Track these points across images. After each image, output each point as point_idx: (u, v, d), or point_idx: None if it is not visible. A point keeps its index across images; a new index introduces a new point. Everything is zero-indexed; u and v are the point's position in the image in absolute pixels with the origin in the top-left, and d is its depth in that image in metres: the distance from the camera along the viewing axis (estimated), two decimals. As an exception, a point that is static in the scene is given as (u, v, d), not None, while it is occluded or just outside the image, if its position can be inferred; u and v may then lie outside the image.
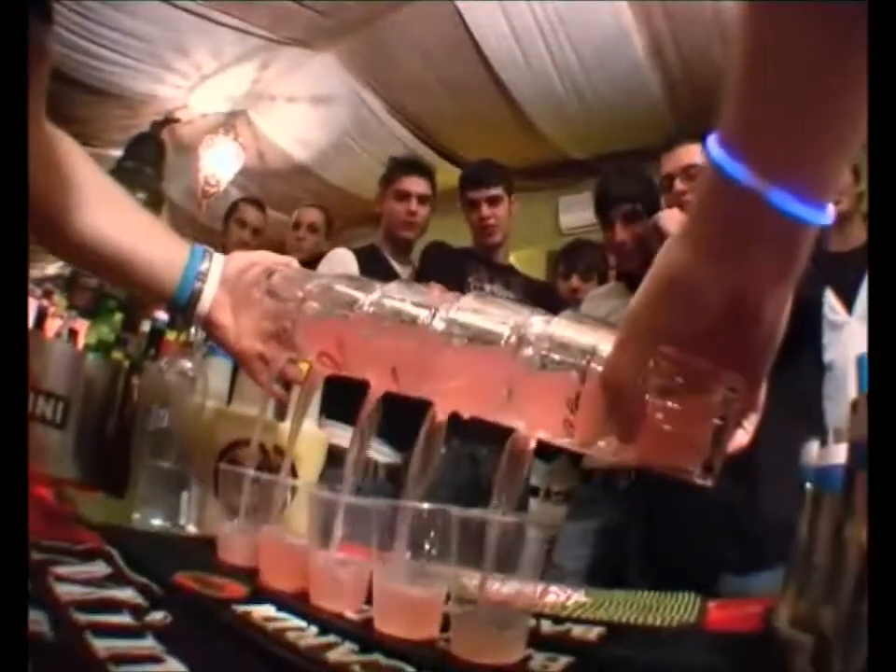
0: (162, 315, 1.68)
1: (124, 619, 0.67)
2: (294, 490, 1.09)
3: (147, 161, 5.05)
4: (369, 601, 0.82)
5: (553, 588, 1.13)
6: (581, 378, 0.68)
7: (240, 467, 1.07)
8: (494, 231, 2.99)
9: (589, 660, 0.76)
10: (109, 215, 1.07)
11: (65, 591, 0.71)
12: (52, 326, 2.37)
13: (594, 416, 0.66)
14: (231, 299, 1.11)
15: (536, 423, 0.76)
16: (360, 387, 0.94)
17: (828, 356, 2.30)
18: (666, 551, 2.05)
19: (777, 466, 1.37)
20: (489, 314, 0.82)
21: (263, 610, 0.79)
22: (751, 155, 0.50)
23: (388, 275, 0.91)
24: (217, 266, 1.12)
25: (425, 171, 3.18)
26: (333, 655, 0.68)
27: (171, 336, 1.62)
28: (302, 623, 0.76)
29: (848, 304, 2.47)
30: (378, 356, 0.91)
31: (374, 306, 0.91)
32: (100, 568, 0.83)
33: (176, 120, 5.18)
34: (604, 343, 0.67)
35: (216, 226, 4.37)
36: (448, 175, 3.65)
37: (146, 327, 1.82)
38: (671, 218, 2.18)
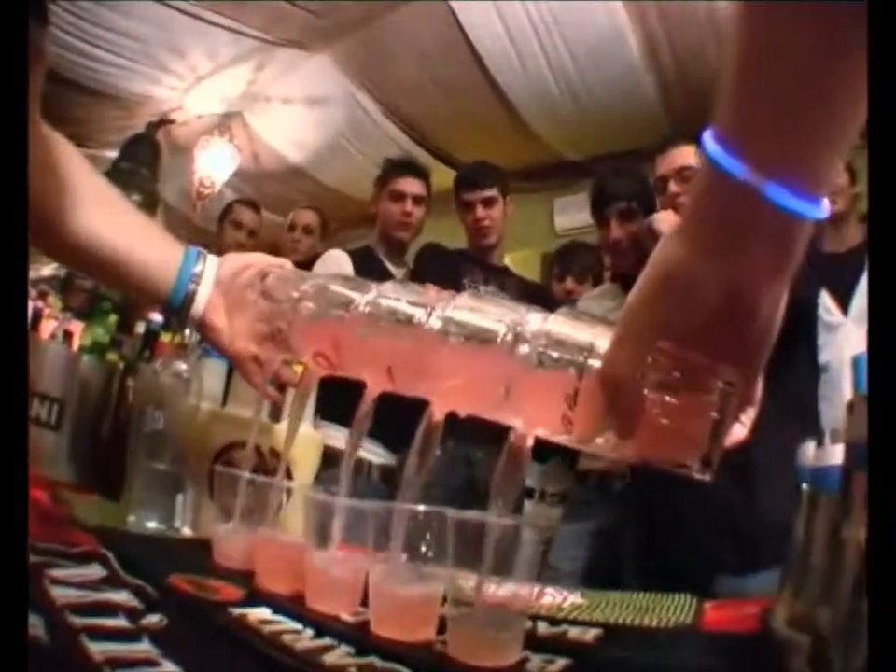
0: (157, 317, 1.67)
1: (120, 622, 0.67)
2: (289, 492, 1.08)
3: (143, 163, 5.05)
4: (365, 603, 0.82)
5: (549, 590, 1.12)
6: (578, 374, 0.68)
7: (235, 469, 1.07)
8: (489, 232, 2.99)
9: (586, 661, 0.76)
10: (104, 216, 1.07)
11: (61, 594, 0.70)
12: (47, 327, 2.37)
13: (592, 412, 0.66)
14: (225, 300, 1.10)
15: (534, 420, 0.75)
16: (355, 389, 0.94)
17: (823, 357, 2.30)
18: (662, 552, 2.05)
19: (773, 467, 1.38)
20: (485, 312, 0.81)
21: (259, 613, 0.79)
22: (747, 150, 0.51)
23: (383, 276, 0.91)
24: (211, 268, 1.11)
25: (420, 172, 3.18)
26: (329, 658, 0.67)
27: (165, 338, 1.62)
28: (298, 626, 0.76)
29: (844, 305, 2.47)
30: (374, 355, 0.90)
31: (370, 306, 0.91)
32: (95, 571, 0.83)
33: (172, 122, 5.18)
34: (601, 340, 0.67)
35: (210, 227, 4.37)
36: (443, 177, 3.65)
37: (140, 328, 1.82)
38: (665, 220, 2.18)
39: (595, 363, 0.66)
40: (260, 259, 1.15)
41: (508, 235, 3.14)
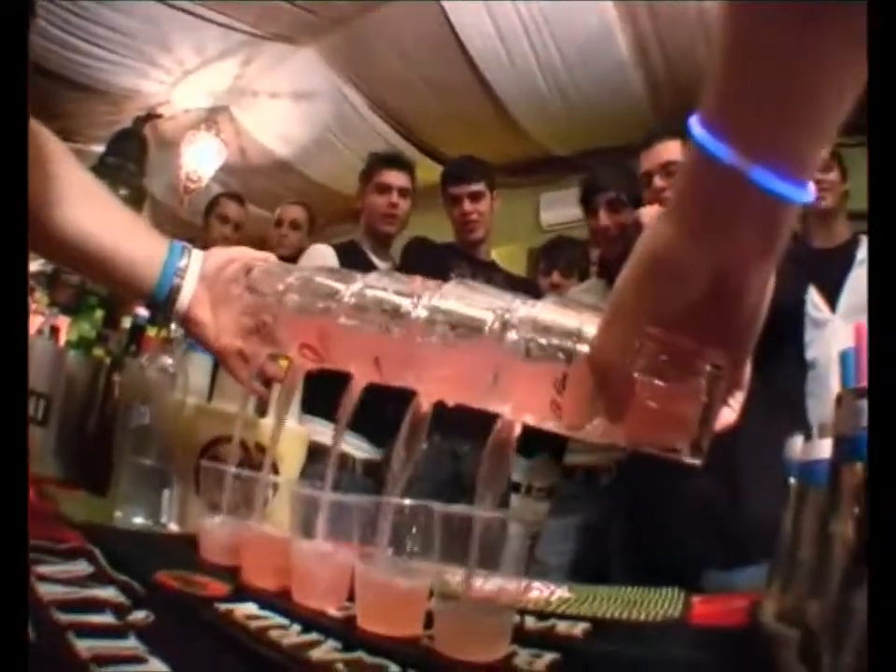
0: (143, 312, 1.67)
1: (107, 618, 0.66)
2: (276, 487, 1.08)
3: (130, 157, 5.03)
4: (352, 598, 0.82)
5: (537, 584, 1.12)
6: (567, 359, 0.68)
7: (221, 464, 1.07)
8: (476, 226, 2.99)
9: (574, 656, 0.76)
10: (90, 211, 1.06)
11: (47, 590, 0.70)
12: (34, 323, 2.36)
13: (581, 397, 0.66)
14: (210, 295, 1.10)
15: (522, 407, 0.75)
16: (341, 383, 0.93)
17: (811, 353, 2.31)
18: (650, 546, 2.05)
19: (760, 462, 1.38)
20: (472, 300, 0.81)
21: (246, 608, 0.78)
22: (733, 134, 0.51)
23: (368, 270, 0.90)
24: (195, 262, 1.11)
25: (405, 165, 3.18)
26: (316, 654, 0.67)
27: (151, 332, 1.62)
28: (285, 621, 0.76)
29: (832, 301, 2.48)
30: (360, 346, 0.90)
31: (356, 296, 0.90)
32: (82, 567, 0.82)
33: (159, 116, 5.16)
34: (588, 326, 0.67)
35: (197, 222, 4.35)
36: (430, 172, 3.65)
37: (126, 323, 1.82)
38: (651, 215, 2.19)
39: (584, 348, 0.66)
40: (245, 253, 1.15)
41: (494, 230, 3.13)
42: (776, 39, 0.48)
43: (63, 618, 0.63)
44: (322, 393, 1.13)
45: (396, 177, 3.08)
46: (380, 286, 0.91)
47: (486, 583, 0.72)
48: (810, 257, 2.40)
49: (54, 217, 1.02)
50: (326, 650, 0.69)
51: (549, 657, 0.73)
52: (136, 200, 4.90)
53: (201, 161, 5.21)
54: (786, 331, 2.10)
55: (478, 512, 0.74)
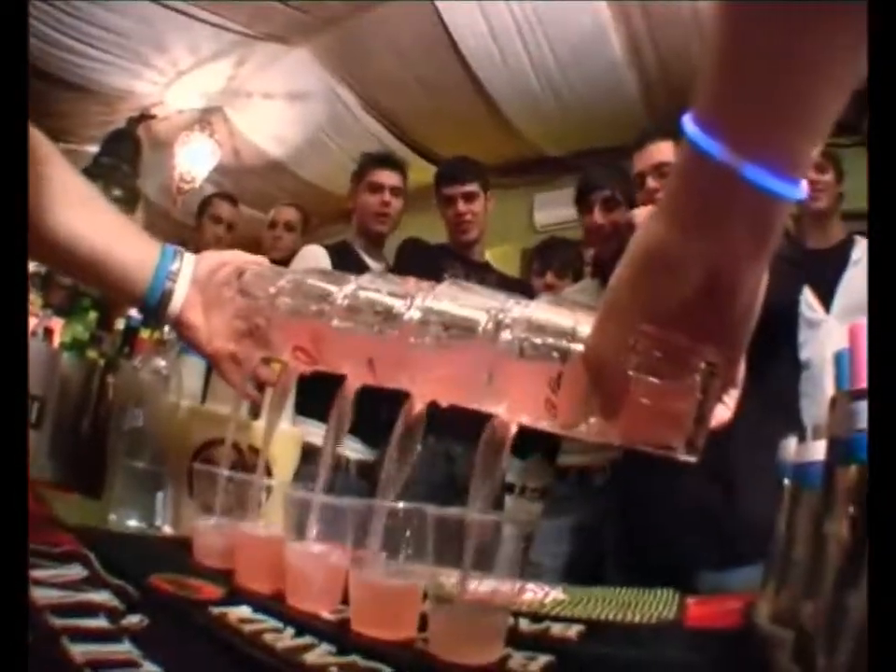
0: (137, 314, 1.66)
1: (101, 623, 0.66)
2: (269, 489, 1.08)
3: (123, 158, 5.02)
4: (346, 601, 0.82)
5: (531, 586, 1.12)
6: (562, 358, 0.68)
7: (214, 466, 1.06)
8: (469, 227, 2.99)
9: (568, 658, 0.76)
10: (83, 215, 1.06)
11: (42, 595, 0.70)
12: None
13: (576, 395, 0.66)
14: (202, 298, 1.10)
15: (517, 406, 0.75)
16: (334, 384, 0.93)
17: (805, 353, 2.31)
18: (644, 547, 2.05)
19: (754, 462, 1.38)
20: (465, 300, 0.81)
21: (239, 612, 0.78)
22: (726, 131, 0.51)
23: (360, 271, 0.91)
24: (188, 266, 1.11)
25: (396, 164, 3.19)
26: (310, 657, 0.67)
27: (145, 334, 1.62)
28: (279, 625, 0.76)
29: (826, 302, 2.48)
30: (354, 348, 0.90)
31: (349, 298, 0.90)
32: (76, 571, 0.82)
33: (152, 117, 5.15)
34: (582, 325, 0.67)
35: (190, 222, 4.34)
36: (423, 173, 3.65)
37: (120, 325, 1.81)
38: (645, 216, 2.19)
39: (578, 347, 0.66)
40: (237, 257, 1.15)
41: (488, 231, 3.13)
42: (768, 38, 0.48)
43: (58, 623, 0.63)
44: (316, 394, 1.12)
45: (388, 177, 3.08)
46: (373, 287, 0.91)
47: (481, 586, 0.72)
48: (804, 257, 2.40)
49: (46, 221, 1.02)
50: (320, 653, 0.69)
51: (543, 660, 0.73)
52: (130, 200, 4.88)
53: (194, 161, 5.20)
54: (780, 331, 2.09)
55: (472, 515, 0.73)
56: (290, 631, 0.74)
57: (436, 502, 0.75)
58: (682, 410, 0.62)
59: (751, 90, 0.50)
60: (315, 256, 2.92)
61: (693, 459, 0.63)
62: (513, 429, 0.76)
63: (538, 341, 0.71)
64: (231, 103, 5.08)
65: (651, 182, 2.34)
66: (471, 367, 0.76)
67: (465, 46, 3.99)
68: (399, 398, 0.85)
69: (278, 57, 4.43)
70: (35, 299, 2.92)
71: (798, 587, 0.69)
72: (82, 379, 1.67)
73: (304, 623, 0.77)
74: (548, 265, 3.34)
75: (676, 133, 0.54)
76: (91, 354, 1.87)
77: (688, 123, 0.53)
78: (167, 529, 1.25)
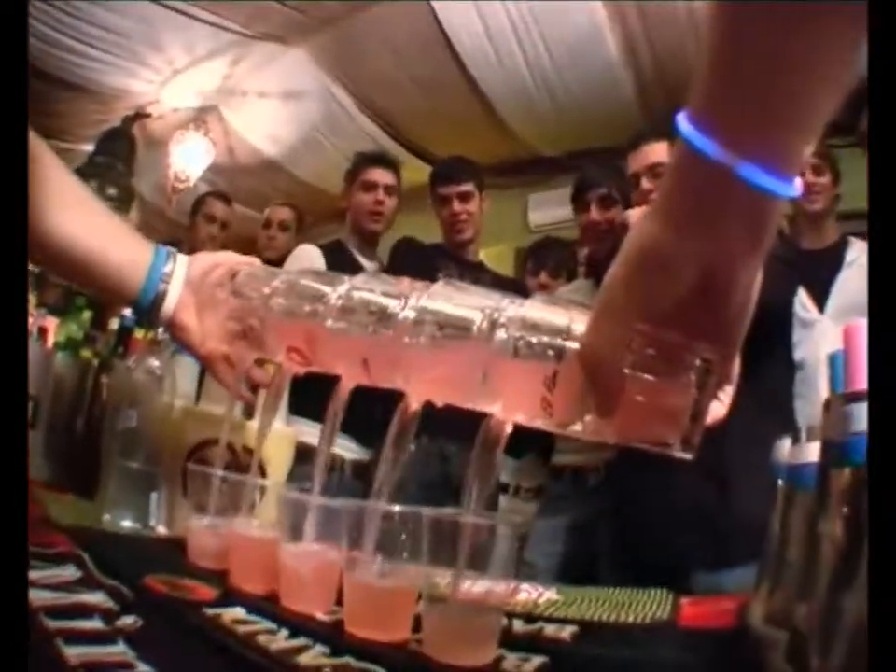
0: (131, 313, 1.66)
1: (95, 624, 0.66)
2: (263, 490, 1.08)
3: (118, 157, 5.01)
4: (340, 602, 0.82)
5: (525, 586, 1.12)
6: (557, 356, 0.68)
7: (208, 466, 1.06)
8: (464, 227, 2.98)
9: (562, 659, 0.76)
10: (77, 216, 1.06)
11: (36, 596, 0.69)
12: (21, 324, 2.34)
13: (572, 394, 0.66)
14: (195, 300, 1.10)
15: (512, 405, 0.75)
16: (328, 384, 0.93)
17: (799, 354, 2.31)
18: (638, 547, 2.05)
19: (748, 463, 1.37)
20: (460, 300, 0.81)
21: (233, 613, 0.78)
22: (720, 130, 0.51)
23: (354, 270, 0.91)
24: (181, 267, 1.11)
25: (390, 163, 3.19)
26: (304, 658, 0.67)
27: (139, 334, 1.61)
28: (273, 626, 0.75)
29: (820, 302, 2.49)
30: (348, 348, 0.90)
31: (343, 298, 0.90)
32: (70, 572, 0.82)
33: (147, 115, 5.14)
34: (577, 323, 0.67)
35: (185, 221, 4.33)
36: (418, 173, 3.64)
37: (114, 324, 1.81)
38: (639, 216, 2.18)
39: (573, 345, 0.66)
40: (230, 258, 1.15)
41: (482, 230, 3.13)
42: (763, 38, 0.49)
43: (52, 625, 0.63)
44: (310, 394, 1.12)
45: (381, 175, 3.07)
46: (367, 287, 0.90)
47: (475, 586, 0.72)
48: (799, 258, 2.40)
49: (41, 222, 1.02)
50: (313, 654, 0.69)
51: (537, 661, 0.73)
52: (125, 199, 4.88)
53: (189, 160, 5.19)
54: (774, 331, 2.09)
55: (466, 516, 0.73)
56: (284, 632, 0.74)
57: (430, 502, 0.75)
58: (678, 407, 0.62)
59: (746, 89, 0.50)
60: (309, 255, 2.92)
61: (688, 456, 0.63)
62: (508, 429, 0.76)
63: (532, 340, 0.71)
64: (227, 102, 5.07)
65: (646, 183, 2.34)
66: (466, 366, 0.76)
67: (460, 45, 3.99)
68: (394, 397, 0.85)
69: (274, 56, 4.42)
70: (29, 298, 2.92)
71: (792, 588, 0.69)
72: (76, 379, 1.67)
73: (298, 625, 0.77)
74: (542, 265, 3.34)
75: (671, 134, 0.55)
76: (86, 353, 1.86)
77: (682, 122, 0.53)
78: (161, 530, 1.25)
